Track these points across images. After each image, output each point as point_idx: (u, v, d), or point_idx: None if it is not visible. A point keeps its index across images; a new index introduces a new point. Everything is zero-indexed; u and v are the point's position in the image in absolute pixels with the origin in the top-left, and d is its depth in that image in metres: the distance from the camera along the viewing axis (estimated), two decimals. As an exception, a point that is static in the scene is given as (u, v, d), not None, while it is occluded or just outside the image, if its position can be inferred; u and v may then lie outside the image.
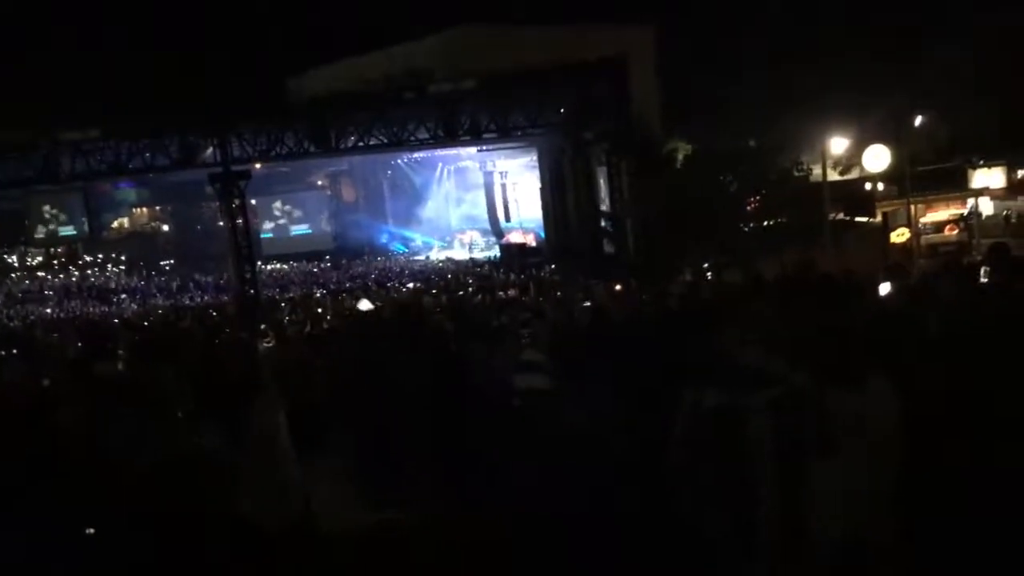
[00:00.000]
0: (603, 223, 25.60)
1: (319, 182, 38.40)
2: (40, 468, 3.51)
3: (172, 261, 35.81)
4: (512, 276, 26.10)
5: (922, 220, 21.73)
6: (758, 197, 23.49)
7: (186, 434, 3.55)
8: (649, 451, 3.43)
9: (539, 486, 3.71)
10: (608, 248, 25.30)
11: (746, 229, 22.94)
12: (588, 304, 8.90)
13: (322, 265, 33.69)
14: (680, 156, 24.43)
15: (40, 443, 3.85)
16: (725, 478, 2.99)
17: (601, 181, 25.31)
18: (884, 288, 5.87)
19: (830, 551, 2.85)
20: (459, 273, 27.86)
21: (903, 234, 21.43)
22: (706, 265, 20.22)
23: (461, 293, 21.64)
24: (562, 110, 24.66)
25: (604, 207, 25.44)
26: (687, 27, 25.85)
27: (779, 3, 25.93)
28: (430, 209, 37.30)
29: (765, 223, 23.00)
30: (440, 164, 35.53)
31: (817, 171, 22.33)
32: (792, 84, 22.90)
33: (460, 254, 34.26)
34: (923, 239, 21.21)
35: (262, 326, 16.87)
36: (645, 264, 21.54)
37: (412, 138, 25.06)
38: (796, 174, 22.92)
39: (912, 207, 21.24)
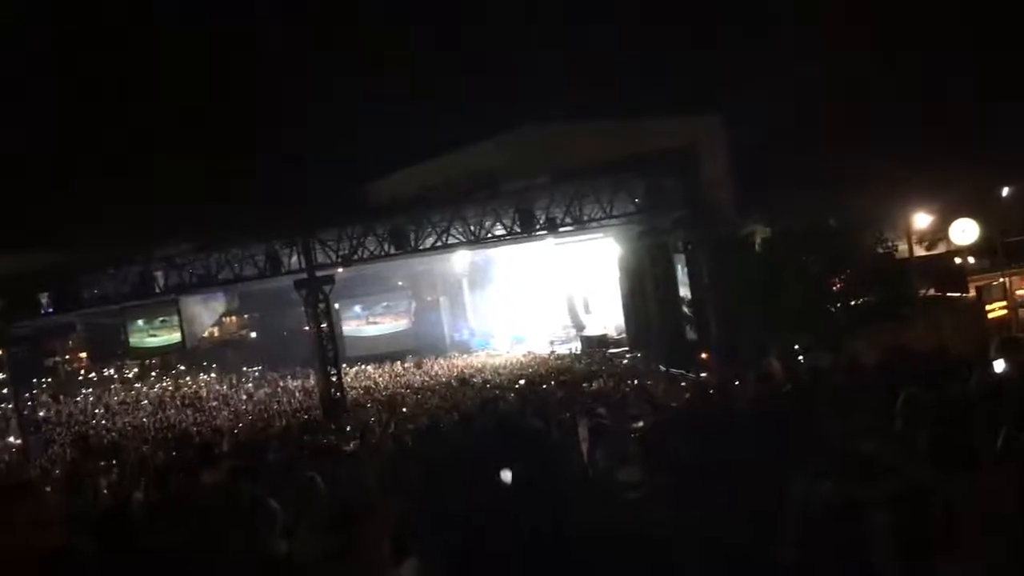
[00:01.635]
0: (684, 309, 25.34)
1: (400, 283, 39.10)
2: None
3: (260, 367, 36.56)
4: (594, 367, 25.92)
5: (1018, 292, 20.91)
6: (843, 277, 22.99)
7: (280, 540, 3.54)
8: (754, 549, 3.26)
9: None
10: (690, 335, 24.96)
11: (832, 310, 22.40)
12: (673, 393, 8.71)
13: (405, 364, 33.97)
14: (759, 239, 24.19)
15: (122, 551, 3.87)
16: (846, 572, 2.81)
17: (679, 268, 25.16)
18: (999, 365, 5.56)
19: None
20: (540, 367, 27.77)
21: (1000, 308, 20.61)
22: (796, 347, 19.73)
23: (545, 387, 21.52)
24: (636, 200, 24.76)
25: (684, 293, 25.21)
26: (758, 110, 25.86)
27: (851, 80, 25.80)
28: (509, 304, 37.49)
29: (852, 303, 22.43)
30: (518, 259, 35.82)
31: (903, 247, 21.80)
32: (871, 160, 22.60)
33: (541, 347, 34.19)
34: (1022, 312, 20.37)
35: (348, 427, 17.03)
36: (728, 349, 21.15)
37: (489, 235, 25.45)
38: (880, 251, 22.41)
39: (1007, 280, 20.48)
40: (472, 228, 25.25)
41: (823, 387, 5.89)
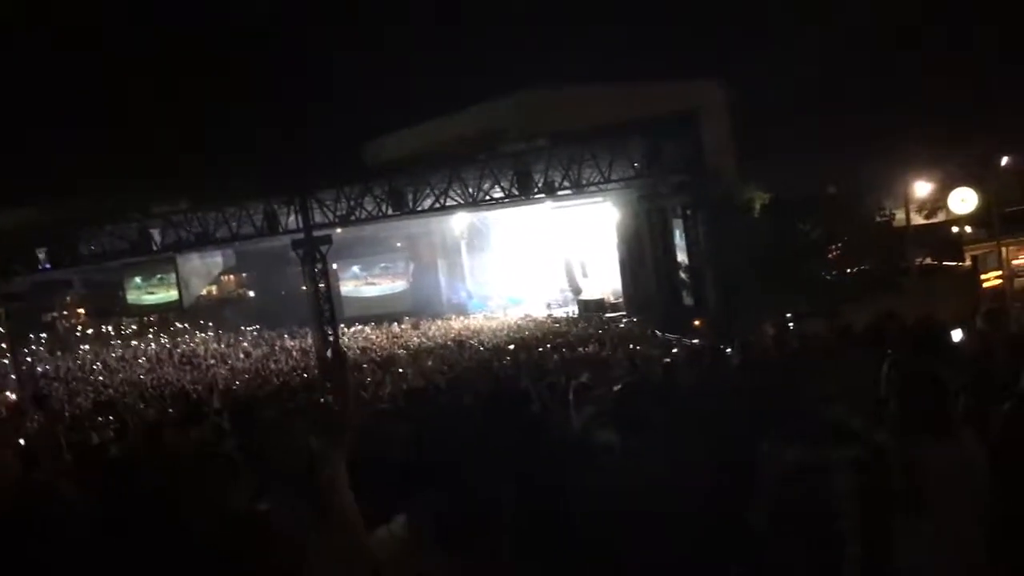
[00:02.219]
0: (681, 275, 25.36)
1: (398, 244, 39.08)
2: (112, 527, 3.57)
3: (258, 326, 36.67)
4: (591, 330, 26.00)
5: (1014, 262, 20.95)
6: (840, 244, 23.02)
7: (254, 500, 3.58)
8: (723, 507, 3.31)
9: (614, 547, 3.62)
10: (687, 300, 25.01)
11: (828, 277, 22.45)
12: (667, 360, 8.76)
13: (402, 325, 34.08)
14: (757, 205, 24.15)
15: (113, 503, 3.92)
16: (809, 536, 2.87)
17: (677, 233, 25.13)
18: (957, 335, 5.62)
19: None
20: (537, 330, 27.86)
21: (995, 277, 20.67)
22: (788, 315, 19.81)
23: (540, 350, 21.61)
24: (635, 164, 24.65)
25: (681, 259, 25.22)
26: (760, 75, 25.69)
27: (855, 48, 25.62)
28: (507, 267, 37.51)
29: (848, 270, 22.47)
30: (515, 222, 35.75)
31: (900, 216, 21.80)
32: (872, 128, 22.52)
33: (538, 310, 34.26)
34: (1017, 282, 20.43)
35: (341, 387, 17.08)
36: (725, 315, 21.22)
37: (487, 197, 25.39)
38: (878, 220, 22.40)
39: (1003, 249, 20.51)
40: (470, 190, 25.19)
41: (808, 353, 5.94)
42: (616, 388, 3.96)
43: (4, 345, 30.94)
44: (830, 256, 23.03)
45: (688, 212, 24.06)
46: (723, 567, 3.34)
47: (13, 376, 28.43)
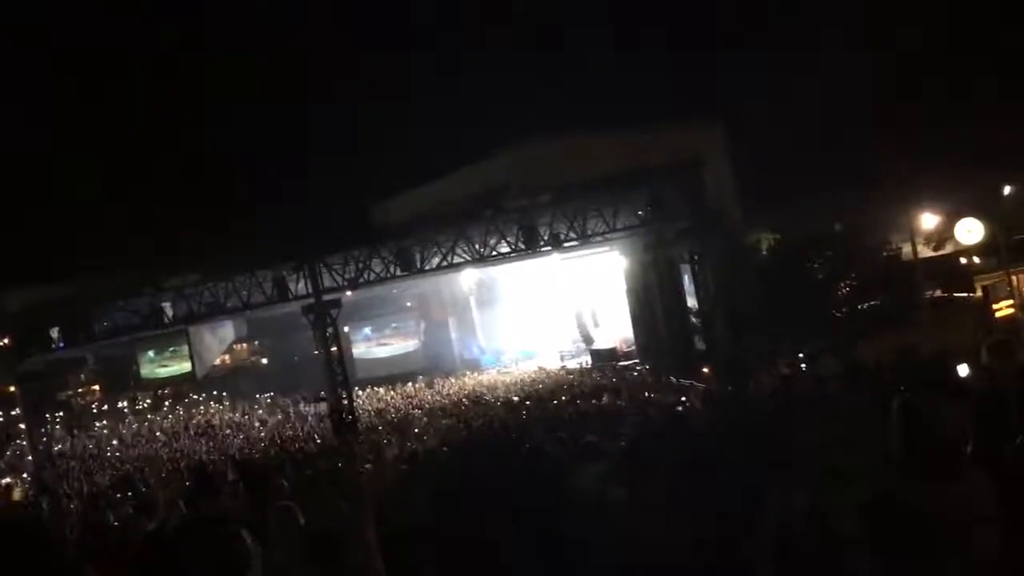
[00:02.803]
0: (691, 320, 25.34)
1: (408, 303, 39.19)
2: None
3: (272, 393, 36.65)
4: (604, 380, 25.92)
5: (1025, 290, 20.88)
6: (849, 281, 23.01)
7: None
8: (729, 556, 3.30)
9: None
10: (699, 344, 24.95)
11: (839, 314, 22.41)
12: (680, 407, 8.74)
13: (416, 385, 34.01)
14: (764, 246, 24.23)
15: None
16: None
17: (685, 278, 25.19)
18: (963, 370, 5.58)
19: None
20: (550, 383, 27.78)
21: (1007, 307, 20.55)
22: (801, 354, 19.74)
23: (555, 403, 21.54)
24: (640, 213, 24.80)
25: (691, 304, 25.22)
26: (760, 117, 25.95)
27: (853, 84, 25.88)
28: (518, 320, 37.50)
29: (859, 306, 22.44)
30: (524, 275, 35.83)
31: (907, 250, 21.81)
32: (875, 164, 22.66)
33: (551, 362, 34.18)
34: (1029, 309, 20.31)
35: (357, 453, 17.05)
36: (737, 357, 21.15)
37: (494, 253, 25.54)
38: (885, 254, 22.43)
39: (1014, 278, 20.44)
40: (477, 246, 25.35)
41: (816, 392, 5.91)
42: (622, 444, 3.98)
43: (22, 426, 31.05)
44: (840, 293, 23.00)
45: (695, 257, 24.15)
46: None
47: (29, 458, 28.45)
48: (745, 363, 19.31)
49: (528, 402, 22.65)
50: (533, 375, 31.74)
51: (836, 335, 20.07)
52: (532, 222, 24.52)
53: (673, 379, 22.84)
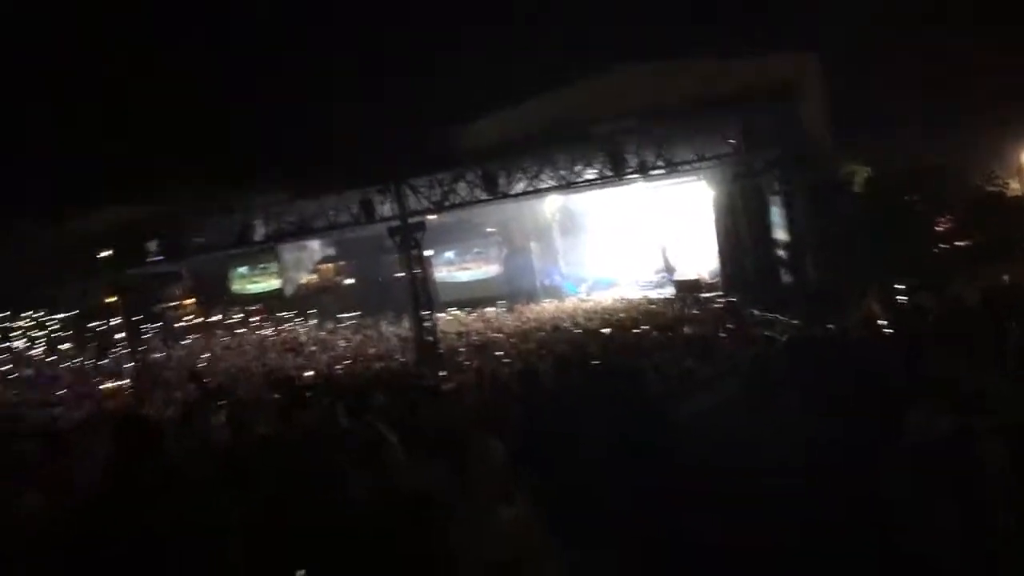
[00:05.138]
0: (779, 253, 24.82)
1: (490, 228, 39.26)
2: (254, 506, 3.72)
3: (356, 313, 37.44)
4: (687, 311, 25.73)
5: None
6: (949, 216, 22.16)
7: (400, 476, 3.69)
8: (860, 478, 3.24)
9: (739, 524, 3.59)
10: (786, 278, 24.48)
11: (936, 250, 21.66)
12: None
13: (497, 310, 34.30)
14: (859, 179, 23.43)
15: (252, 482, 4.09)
16: (957, 506, 2.79)
17: (775, 210, 24.61)
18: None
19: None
20: (632, 312, 27.68)
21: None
22: (897, 289, 19.19)
23: (636, 331, 21.49)
24: (731, 141, 24.18)
25: (779, 236, 24.68)
26: (860, 43, 24.79)
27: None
28: (600, 248, 37.32)
29: (959, 243, 21.63)
30: (609, 203, 35.51)
31: (1015, 186, 20.86)
32: (980, 93, 21.54)
33: (632, 292, 34.04)
34: None
35: (441, 372, 17.40)
36: (827, 292, 20.69)
37: (579, 179, 25.32)
38: (990, 190, 21.48)
39: None
40: (562, 173, 25.16)
41: (926, 326, 5.75)
42: (740, 367, 3.93)
43: (118, 336, 32.58)
44: (938, 229, 22.19)
45: (786, 188, 23.54)
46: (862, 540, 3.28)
47: (127, 365, 29.84)
48: (836, 298, 18.87)
49: (610, 330, 22.62)
50: (614, 304, 31.65)
51: (932, 271, 19.42)
52: (619, 149, 24.16)
53: (757, 312, 22.50)
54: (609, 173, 24.48)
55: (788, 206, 23.54)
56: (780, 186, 23.69)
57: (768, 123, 23.30)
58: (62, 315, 35.08)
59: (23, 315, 35.78)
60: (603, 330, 22.93)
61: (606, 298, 33.94)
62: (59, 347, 34.20)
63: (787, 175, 23.26)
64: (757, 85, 22.85)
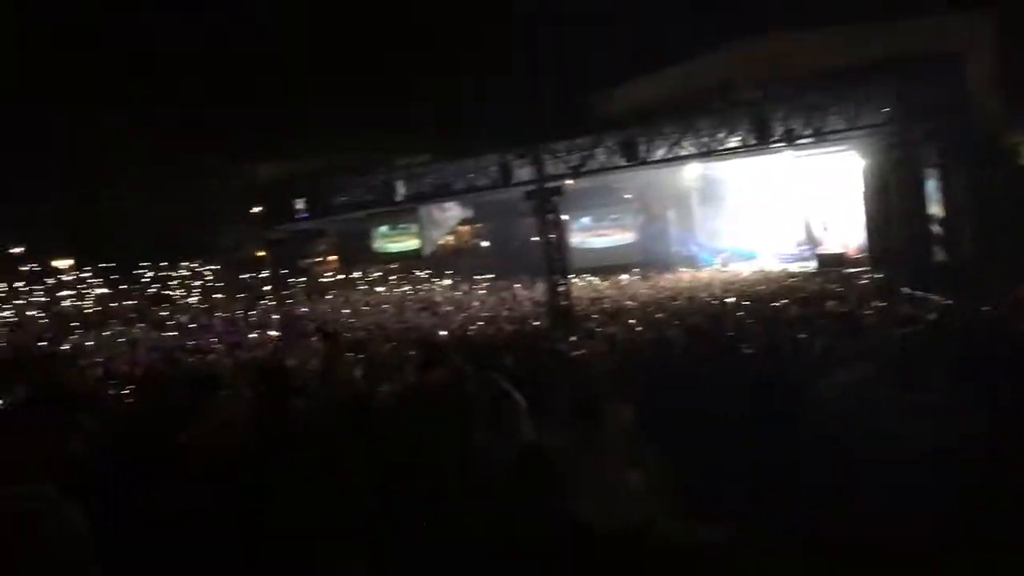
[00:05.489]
0: (934, 228, 23.52)
1: (627, 195, 38.89)
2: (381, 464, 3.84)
3: (491, 275, 37.97)
4: (830, 286, 24.78)
5: None
6: None
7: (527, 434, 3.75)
8: (1002, 459, 3.08)
9: (875, 508, 3.47)
10: (940, 256, 23.20)
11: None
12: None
13: (631, 278, 34.05)
14: (1024, 152, 21.91)
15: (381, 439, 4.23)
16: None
17: (931, 183, 23.29)
18: None
19: None
20: (772, 285, 26.88)
21: None
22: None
23: (775, 305, 20.87)
24: (885, 110, 22.97)
25: (934, 211, 23.37)
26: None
27: None
28: (739, 219, 36.39)
29: None
30: (751, 172, 34.48)
31: None
32: None
33: (772, 264, 33.09)
34: None
35: (572, 338, 17.44)
36: (982, 272, 19.50)
37: (722, 147, 24.66)
38: None
39: None
40: (704, 140, 24.55)
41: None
42: (886, 347, 3.77)
43: (266, 288, 34.33)
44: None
45: (944, 160, 22.23)
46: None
47: (274, 316, 31.34)
48: (992, 278, 17.77)
49: (748, 303, 22.05)
50: (753, 275, 30.84)
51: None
52: (765, 116, 23.35)
53: (907, 290, 21.45)
54: (753, 141, 23.70)
55: (945, 179, 22.25)
56: (938, 158, 22.37)
57: (928, 92, 21.99)
58: (216, 266, 37.27)
59: (182, 264, 38.22)
60: (741, 302, 22.37)
61: (744, 270, 33.10)
62: (212, 296, 36.35)
63: (946, 146, 21.94)
64: (917, 50, 21.63)
